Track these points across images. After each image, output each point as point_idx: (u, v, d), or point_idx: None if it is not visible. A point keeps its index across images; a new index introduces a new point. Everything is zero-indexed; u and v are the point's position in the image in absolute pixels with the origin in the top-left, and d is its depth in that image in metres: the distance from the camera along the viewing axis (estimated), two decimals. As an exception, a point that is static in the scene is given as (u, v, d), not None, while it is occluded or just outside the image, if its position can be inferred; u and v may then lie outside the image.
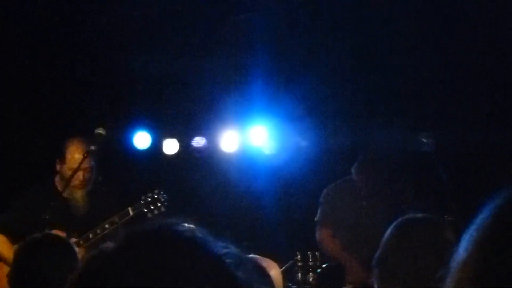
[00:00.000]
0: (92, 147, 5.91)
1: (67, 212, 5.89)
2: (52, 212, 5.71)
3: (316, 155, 7.60)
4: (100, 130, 6.00)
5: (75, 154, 5.93)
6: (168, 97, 7.71)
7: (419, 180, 7.06)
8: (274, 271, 3.37)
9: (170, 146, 7.72)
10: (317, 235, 6.62)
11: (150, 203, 6.07)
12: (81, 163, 5.86)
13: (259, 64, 7.28)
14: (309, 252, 6.60)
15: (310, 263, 6.49)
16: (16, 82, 7.41)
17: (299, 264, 6.52)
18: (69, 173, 5.90)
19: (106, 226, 5.85)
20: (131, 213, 5.97)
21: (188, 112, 7.78)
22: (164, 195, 6.14)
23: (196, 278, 1.14)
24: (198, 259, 1.16)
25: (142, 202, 6.05)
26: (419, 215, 3.09)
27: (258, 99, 7.47)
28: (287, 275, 6.56)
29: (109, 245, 1.20)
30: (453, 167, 6.76)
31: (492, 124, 6.85)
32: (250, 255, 3.34)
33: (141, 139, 7.55)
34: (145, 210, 6.04)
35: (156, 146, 7.64)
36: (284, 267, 6.58)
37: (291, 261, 6.60)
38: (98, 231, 5.81)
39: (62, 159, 5.98)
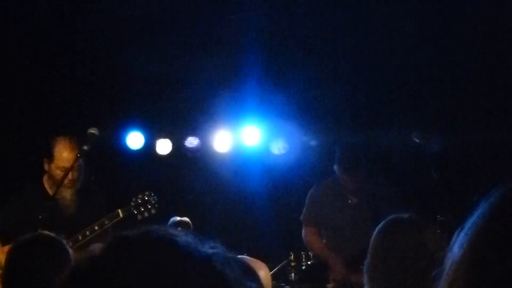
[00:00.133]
0: (85, 147, 5.86)
1: (56, 212, 5.79)
2: (43, 212, 5.65)
3: (308, 155, 7.62)
4: (93, 130, 5.95)
5: (63, 152, 5.88)
6: (161, 97, 7.71)
7: (407, 179, 7.09)
8: (263, 272, 3.36)
9: (163, 146, 7.72)
10: (302, 234, 6.66)
11: (140, 205, 6.00)
12: (69, 162, 5.80)
13: (252, 64, 7.29)
14: (302, 252, 6.62)
15: (303, 263, 6.51)
16: (7, 81, 7.39)
17: (293, 264, 6.55)
18: (57, 172, 5.85)
19: (96, 228, 5.77)
20: (121, 215, 5.91)
21: (181, 112, 7.78)
22: (155, 197, 6.07)
23: (184, 280, 1.15)
24: (186, 261, 1.17)
25: (132, 204, 5.98)
26: (406, 215, 3.09)
27: (250, 99, 7.48)
28: (281, 276, 6.57)
29: (97, 248, 1.21)
30: (448, 166, 6.79)
31: (488, 124, 6.87)
32: (239, 256, 3.32)
33: (134, 139, 7.55)
34: (135, 212, 5.98)
35: (149, 146, 7.64)
36: (277, 267, 6.60)
37: (285, 261, 6.62)
38: (88, 232, 5.74)
39: (50, 158, 5.91)
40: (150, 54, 7.26)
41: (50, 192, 5.93)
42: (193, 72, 7.49)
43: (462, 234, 1.36)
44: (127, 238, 1.21)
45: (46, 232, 3.97)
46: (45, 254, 3.60)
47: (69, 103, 7.53)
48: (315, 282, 6.52)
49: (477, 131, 6.82)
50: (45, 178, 6.02)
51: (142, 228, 1.23)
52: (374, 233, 2.99)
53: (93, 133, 5.94)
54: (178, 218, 6.43)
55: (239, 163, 7.80)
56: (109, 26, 6.88)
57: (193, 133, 7.79)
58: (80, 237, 5.74)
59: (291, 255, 6.62)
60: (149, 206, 6.03)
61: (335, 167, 6.48)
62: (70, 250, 3.88)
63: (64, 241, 3.89)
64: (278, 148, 7.53)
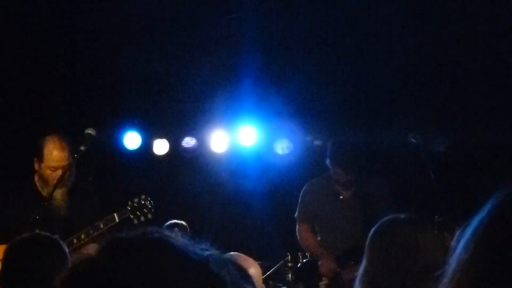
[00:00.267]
0: (82, 147, 5.81)
1: (50, 212, 5.70)
2: (38, 212, 5.59)
3: (304, 154, 7.63)
4: (90, 131, 5.91)
5: (53, 152, 5.76)
6: (158, 98, 7.71)
7: (404, 179, 7.11)
8: (253, 269, 3.36)
9: (160, 147, 7.72)
10: (296, 231, 6.70)
11: (136, 209, 5.90)
12: (60, 161, 5.72)
13: (248, 65, 7.29)
14: (299, 253, 6.64)
15: (300, 263, 6.54)
16: (5, 80, 7.38)
17: (289, 264, 6.56)
18: (48, 171, 5.76)
19: (91, 231, 5.68)
20: (117, 219, 5.81)
21: (178, 112, 7.78)
22: (151, 201, 5.98)
23: (181, 281, 1.15)
24: (183, 263, 1.17)
25: (128, 208, 5.88)
26: (403, 215, 3.09)
27: (247, 99, 7.48)
28: (278, 276, 6.58)
29: (93, 249, 1.21)
30: (446, 167, 6.81)
31: (488, 124, 6.89)
32: (229, 253, 3.32)
33: (131, 140, 7.55)
34: (131, 217, 5.90)
35: (146, 147, 7.64)
36: (274, 267, 6.61)
37: (281, 262, 6.63)
38: (83, 236, 5.66)
39: (40, 157, 5.79)
40: (147, 54, 7.26)
41: (42, 192, 5.83)
42: (190, 72, 7.50)
43: (467, 235, 1.35)
44: (124, 240, 1.21)
45: (43, 232, 3.96)
46: (43, 254, 3.60)
47: (66, 103, 7.52)
48: (311, 281, 6.54)
49: (477, 132, 6.84)
50: (36, 177, 5.90)
51: (138, 229, 1.23)
52: (371, 232, 2.99)
53: (90, 134, 5.90)
54: (175, 221, 6.44)
55: (236, 163, 7.81)
56: (107, 27, 6.88)
57: (190, 133, 7.79)
58: (75, 240, 5.65)
59: (288, 255, 6.63)
60: (145, 211, 5.94)
61: (327, 161, 6.53)
62: (67, 250, 3.87)
63: (61, 242, 3.88)
64: (282, 147, 7.55)
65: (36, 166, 5.86)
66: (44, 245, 3.71)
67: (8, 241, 4.83)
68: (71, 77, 7.48)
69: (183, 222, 6.49)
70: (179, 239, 1.22)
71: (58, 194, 5.80)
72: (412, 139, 5.85)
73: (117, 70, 7.28)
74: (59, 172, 5.75)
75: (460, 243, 1.37)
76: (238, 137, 7.70)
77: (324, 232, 6.60)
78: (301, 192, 6.73)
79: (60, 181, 5.72)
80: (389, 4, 6.66)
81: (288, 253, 6.65)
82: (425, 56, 7.08)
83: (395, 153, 7.26)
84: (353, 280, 5.99)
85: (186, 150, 7.81)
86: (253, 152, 7.71)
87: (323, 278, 6.47)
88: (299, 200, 6.72)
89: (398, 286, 2.81)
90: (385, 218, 3.05)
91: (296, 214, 6.71)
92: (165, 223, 6.31)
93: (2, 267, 3.81)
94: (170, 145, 7.73)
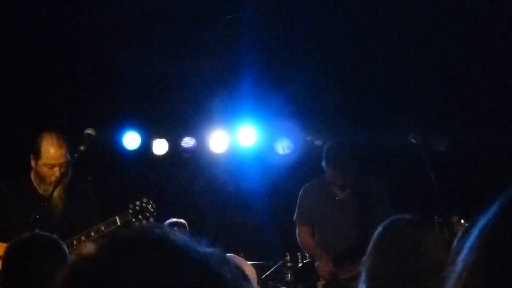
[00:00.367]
0: (82, 147, 5.80)
1: (47, 211, 5.62)
2: (37, 211, 5.56)
3: (303, 155, 7.64)
4: (90, 131, 5.90)
5: (50, 149, 5.68)
6: (158, 98, 7.72)
7: (404, 180, 7.12)
8: (248, 269, 3.36)
9: (160, 147, 7.73)
10: (296, 233, 6.72)
11: (138, 212, 5.85)
12: (57, 159, 5.64)
13: (248, 65, 7.30)
14: (298, 253, 6.64)
15: (299, 264, 6.54)
16: (5, 79, 7.37)
17: (289, 264, 6.56)
18: (44, 169, 5.68)
19: (92, 233, 5.66)
20: (118, 222, 5.77)
21: (178, 112, 7.79)
22: (153, 205, 5.89)
23: (182, 279, 1.14)
24: (183, 260, 1.16)
25: (130, 211, 5.79)
26: (407, 216, 3.09)
27: (247, 99, 7.48)
28: (277, 276, 6.59)
29: (93, 249, 1.20)
30: (447, 167, 6.82)
31: (489, 124, 6.89)
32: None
33: (131, 140, 7.55)
34: (133, 220, 5.86)
35: (146, 147, 7.64)
36: (273, 267, 6.62)
37: (280, 262, 6.64)
38: (83, 238, 5.64)
39: (37, 154, 5.70)
40: (147, 55, 7.26)
41: (39, 189, 5.76)
42: (190, 73, 7.50)
43: (473, 236, 1.34)
44: (124, 238, 1.21)
45: (43, 232, 3.95)
46: (43, 254, 3.59)
47: (66, 103, 7.52)
48: (310, 282, 6.55)
49: (477, 132, 6.84)
50: (32, 175, 5.82)
51: (138, 227, 1.23)
52: (376, 232, 2.99)
53: (89, 134, 5.88)
54: (174, 220, 6.43)
55: (236, 163, 7.81)
56: (106, 27, 6.88)
57: (189, 134, 7.79)
58: (75, 242, 5.62)
59: (287, 256, 6.64)
60: (148, 214, 5.87)
61: (323, 163, 6.55)
62: (67, 251, 3.87)
63: (61, 242, 3.87)
64: (282, 147, 7.55)
65: (32, 163, 5.78)
66: (44, 245, 3.70)
67: (6, 239, 4.86)
68: (71, 77, 7.48)
69: (183, 221, 6.48)
70: (180, 236, 1.21)
71: (56, 193, 5.77)
72: (412, 139, 5.85)
73: (117, 70, 7.28)
74: (56, 170, 5.69)
75: (466, 244, 1.36)
76: (238, 137, 7.70)
77: (322, 233, 6.62)
78: (299, 195, 6.75)
79: (59, 180, 5.70)
80: (388, 4, 6.67)
81: (287, 253, 6.65)
82: (425, 56, 7.08)
83: (395, 153, 7.26)
84: (349, 279, 6.06)
85: (185, 150, 7.81)
86: (252, 152, 7.71)
87: (321, 279, 6.49)
88: (297, 203, 6.73)
89: (400, 286, 2.81)
90: (388, 219, 3.05)
91: (295, 217, 6.73)
92: (164, 222, 6.30)
93: (2, 266, 3.80)
94: (169, 145, 7.73)
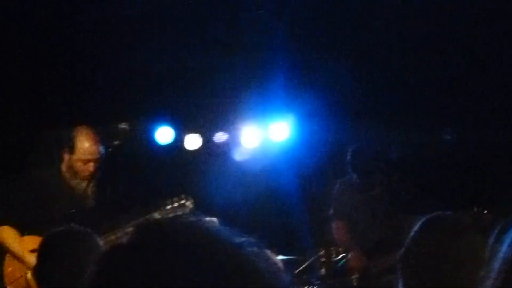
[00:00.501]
0: (116, 142, 5.83)
1: (82, 205, 5.70)
2: (72, 205, 5.58)
3: (336, 150, 7.61)
4: (123, 125, 5.94)
5: (84, 143, 5.71)
6: (191, 93, 7.73)
7: (438, 177, 7.09)
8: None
9: (192, 141, 7.74)
10: (332, 228, 6.75)
11: (177, 208, 5.76)
12: (91, 154, 5.68)
13: (281, 60, 7.29)
14: (332, 248, 6.64)
15: (333, 259, 6.54)
16: (40, 71, 7.41)
17: (322, 259, 6.57)
18: (78, 163, 5.70)
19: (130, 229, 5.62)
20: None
21: (210, 107, 7.79)
22: (192, 201, 5.85)
23: (215, 267, 1.13)
24: (216, 247, 1.16)
25: (169, 207, 5.74)
26: (446, 213, 3.07)
27: (279, 95, 7.48)
28: (310, 271, 6.59)
29: (125, 237, 1.20)
30: (484, 164, 6.78)
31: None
32: None
33: (164, 134, 7.58)
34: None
35: (178, 141, 7.66)
36: (307, 262, 6.62)
37: (314, 257, 6.64)
38: (120, 234, 5.67)
39: (71, 149, 5.72)
40: (181, 50, 7.27)
41: (71, 183, 5.78)
42: (223, 67, 7.51)
43: (510, 234, 1.33)
44: (156, 224, 1.23)
45: (79, 226, 3.97)
46: (78, 247, 3.61)
47: (99, 98, 7.55)
48: (344, 276, 6.57)
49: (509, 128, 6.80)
50: (64, 168, 5.82)
51: (170, 215, 1.23)
52: (414, 229, 2.97)
53: (123, 128, 5.93)
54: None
55: (267, 158, 7.81)
56: (141, 20, 6.90)
57: (222, 128, 7.80)
58: (112, 237, 5.62)
59: (320, 251, 6.64)
60: (187, 210, 5.86)
61: (348, 167, 6.65)
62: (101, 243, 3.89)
63: (97, 236, 3.90)
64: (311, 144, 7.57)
65: (65, 157, 5.79)
66: (79, 239, 3.72)
67: (39, 232, 4.89)
68: (105, 72, 7.50)
69: (215, 219, 6.48)
70: (213, 224, 1.21)
71: (90, 187, 5.80)
72: (447, 136, 5.84)
73: (151, 65, 7.31)
74: (90, 165, 5.73)
75: (505, 243, 1.34)
76: (270, 133, 7.70)
77: (356, 228, 6.65)
78: (334, 190, 6.80)
79: (93, 175, 5.72)
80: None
81: (321, 248, 6.65)
82: (460, 53, 7.03)
83: (428, 149, 7.24)
84: (382, 273, 6.06)
85: (217, 145, 7.82)
86: (284, 147, 7.71)
87: (354, 272, 6.51)
88: (332, 198, 6.77)
89: (438, 281, 2.80)
90: (430, 215, 3.03)
91: (330, 211, 6.77)
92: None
93: (37, 260, 3.83)
94: (202, 140, 7.74)
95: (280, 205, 7.78)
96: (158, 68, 7.37)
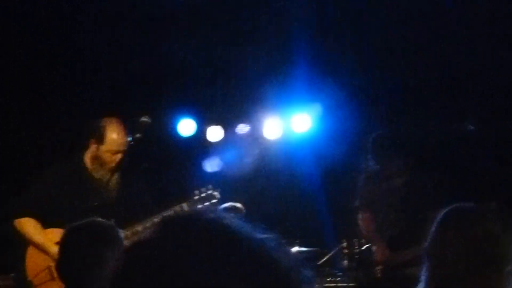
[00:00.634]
0: (138, 135, 5.83)
1: (105, 198, 5.66)
2: (96, 197, 5.58)
3: (359, 142, 7.59)
4: (145, 118, 5.93)
5: (114, 135, 5.67)
6: (213, 85, 7.73)
7: (461, 168, 7.06)
8: None
9: (214, 133, 7.75)
10: (358, 219, 6.74)
11: (204, 199, 5.78)
12: (119, 145, 5.65)
13: (302, 51, 7.27)
14: (354, 240, 6.63)
15: (356, 250, 6.53)
16: (62, 64, 7.44)
17: (345, 251, 6.55)
18: (107, 154, 5.66)
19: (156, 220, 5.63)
20: (186, 209, 5.74)
21: (232, 99, 7.79)
22: (219, 192, 5.86)
23: (235, 263, 1.14)
24: (237, 244, 1.16)
25: (196, 197, 5.77)
26: (469, 204, 3.04)
27: (301, 86, 7.46)
28: (333, 262, 6.59)
29: (149, 231, 1.21)
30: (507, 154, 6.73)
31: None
32: None
33: (186, 126, 7.59)
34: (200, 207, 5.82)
35: (200, 133, 7.67)
36: (329, 254, 6.62)
37: (336, 248, 6.63)
38: (148, 225, 5.67)
39: (100, 140, 5.68)
40: (201, 42, 7.27)
41: (95, 174, 5.73)
42: (244, 60, 7.50)
43: None
44: (178, 219, 1.22)
45: (101, 219, 3.97)
46: (101, 241, 3.61)
47: (122, 91, 7.57)
48: (367, 267, 6.55)
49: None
50: (88, 159, 5.78)
51: (191, 210, 1.23)
52: (439, 220, 2.95)
53: (145, 121, 5.93)
54: (231, 204, 6.42)
55: (289, 149, 7.80)
56: (161, 14, 6.91)
57: (244, 120, 7.80)
58: (139, 229, 5.59)
59: (343, 242, 6.63)
60: (215, 201, 5.86)
61: (369, 157, 6.62)
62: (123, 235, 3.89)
63: (119, 230, 3.90)
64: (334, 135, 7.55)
65: (93, 147, 5.74)
66: (102, 232, 3.72)
67: (61, 224, 4.89)
68: (128, 65, 7.52)
69: (239, 205, 6.47)
70: (234, 220, 1.21)
71: (114, 179, 5.80)
72: (471, 126, 5.79)
73: (172, 58, 7.31)
74: (118, 156, 5.70)
75: None
76: (292, 124, 7.69)
77: (381, 219, 6.64)
78: (360, 181, 6.78)
79: (118, 166, 5.72)
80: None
81: (343, 240, 6.64)
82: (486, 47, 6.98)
83: (451, 139, 7.20)
84: (406, 264, 6.04)
85: (239, 136, 7.82)
86: (306, 139, 7.70)
87: (378, 264, 6.50)
88: (358, 189, 6.75)
89: (463, 275, 2.78)
90: (452, 206, 3.01)
91: (356, 203, 6.75)
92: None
93: (59, 252, 3.83)
94: (224, 131, 7.75)
95: (302, 197, 7.77)
96: (180, 60, 7.37)
